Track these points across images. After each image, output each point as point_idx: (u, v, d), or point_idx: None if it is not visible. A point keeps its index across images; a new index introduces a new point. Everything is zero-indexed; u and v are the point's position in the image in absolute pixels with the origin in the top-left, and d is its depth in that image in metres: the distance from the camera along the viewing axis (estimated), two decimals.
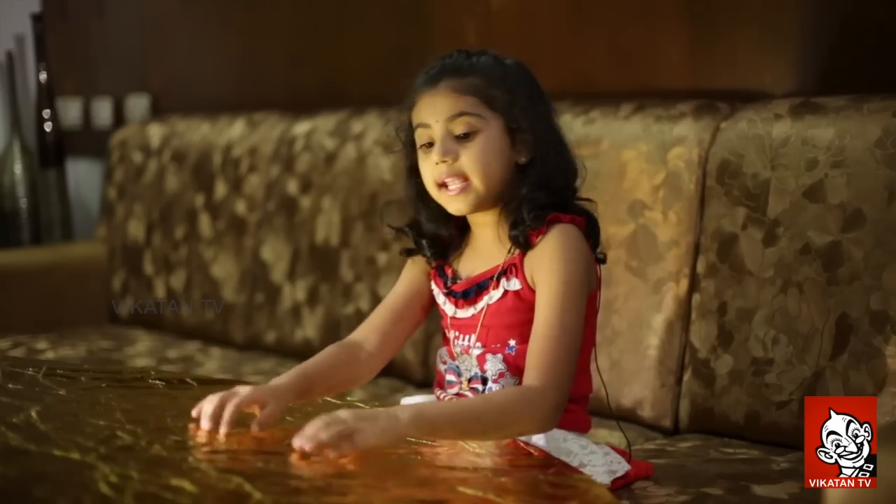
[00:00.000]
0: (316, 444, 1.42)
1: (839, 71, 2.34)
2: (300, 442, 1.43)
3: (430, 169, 1.73)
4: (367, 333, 1.82)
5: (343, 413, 1.45)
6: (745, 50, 2.48)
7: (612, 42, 2.72)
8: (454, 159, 1.71)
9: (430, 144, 1.73)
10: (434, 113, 1.72)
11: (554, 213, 1.72)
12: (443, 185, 1.73)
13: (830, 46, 2.35)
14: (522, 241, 1.71)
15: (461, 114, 1.71)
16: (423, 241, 1.81)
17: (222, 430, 1.54)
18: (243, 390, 1.60)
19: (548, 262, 1.69)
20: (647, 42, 2.65)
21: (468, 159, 1.71)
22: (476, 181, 1.71)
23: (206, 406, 1.57)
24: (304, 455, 1.42)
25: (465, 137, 1.71)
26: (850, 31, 2.34)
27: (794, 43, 2.40)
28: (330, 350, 1.79)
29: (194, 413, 1.58)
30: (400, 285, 1.86)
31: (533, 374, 1.63)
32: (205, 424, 1.55)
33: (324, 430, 1.43)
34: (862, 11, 2.33)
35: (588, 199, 1.79)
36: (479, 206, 1.74)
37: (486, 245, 1.77)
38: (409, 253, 1.85)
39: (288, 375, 1.69)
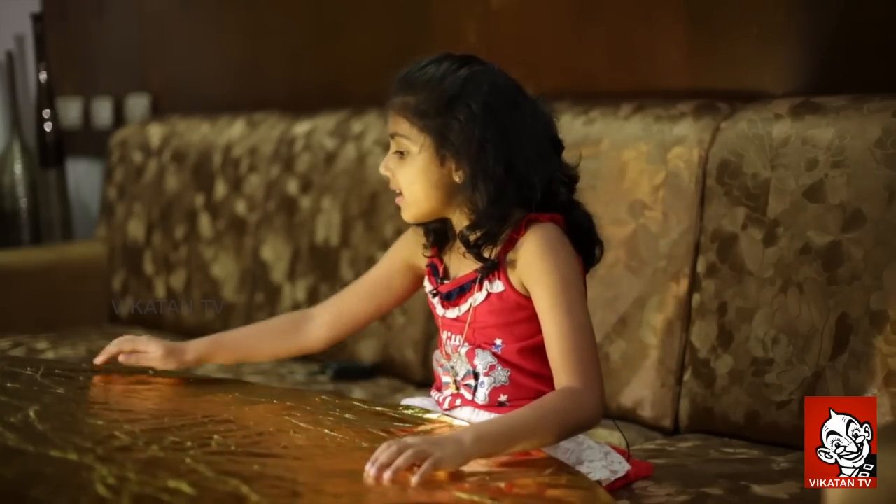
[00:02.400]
0: (394, 472, 1.42)
1: (839, 71, 2.34)
2: (376, 471, 1.43)
3: None
4: (322, 309, 1.96)
5: (410, 439, 1.47)
6: (745, 50, 2.47)
7: (612, 42, 2.72)
8: (392, 174, 1.78)
9: None
10: (388, 126, 1.79)
11: (532, 213, 1.72)
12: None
13: (830, 46, 2.35)
14: (488, 263, 1.73)
15: (394, 134, 1.76)
16: (430, 225, 1.83)
17: (98, 358, 1.89)
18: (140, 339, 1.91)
19: (538, 264, 1.69)
20: (647, 42, 2.65)
21: (399, 177, 1.77)
22: (407, 197, 1.77)
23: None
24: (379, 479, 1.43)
25: (401, 154, 1.76)
26: (850, 30, 2.33)
27: (794, 43, 2.39)
28: (273, 319, 2.00)
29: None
30: (374, 270, 1.94)
31: (565, 376, 1.65)
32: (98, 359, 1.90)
33: (400, 458, 1.43)
34: (861, 11, 2.32)
35: (577, 203, 1.78)
36: (423, 217, 1.80)
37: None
38: (419, 224, 1.87)
39: (201, 339, 1.94)
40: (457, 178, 1.73)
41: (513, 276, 1.72)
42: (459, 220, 1.77)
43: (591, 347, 1.67)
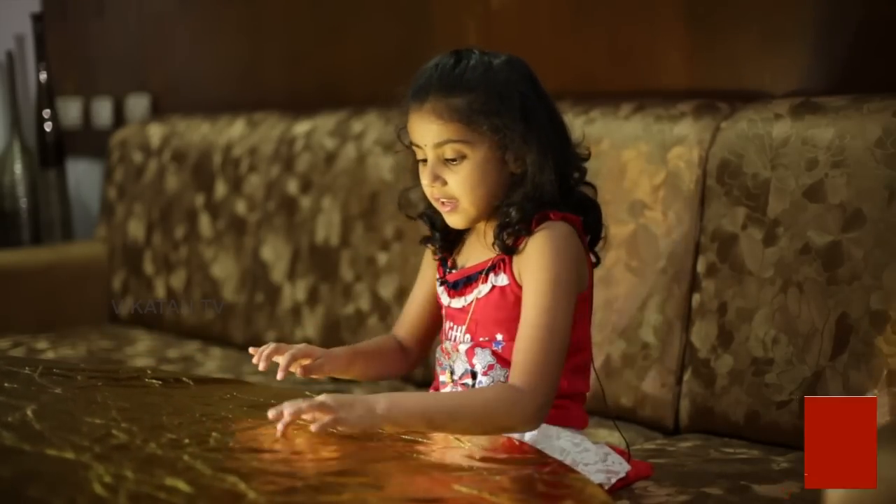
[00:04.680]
0: (295, 411, 1.49)
1: (839, 71, 2.34)
2: (276, 411, 1.50)
3: (425, 187, 1.75)
4: (406, 330, 1.90)
5: (323, 396, 1.52)
6: (745, 50, 2.47)
7: (612, 42, 2.72)
8: (443, 183, 1.72)
9: (424, 160, 1.74)
10: (422, 136, 1.72)
11: (543, 210, 1.72)
12: (437, 201, 1.75)
13: (831, 46, 2.35)
14: (506, 246, 1.72)
15: (447, 141, 1.70)
16: (436, 233, 1.83)
17: (280, 375, 1.71)
18: (297, 345, 1.76)
19: (534, 261, 1.69)
20: (647, 42, 2.64)
21: (456, 184, 1.71)
22: (465, 203, 1.73)
23: (263, 351, 1.75)
24: (278, 424, 1.50)
25: (454, 161, 1.71)
26: (851, 31, 2.33)
27: (794, 43, 2.39)
28: (381, 338, 1.91)
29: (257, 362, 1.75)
30: (420, 285, 1.90)
31: (517, 373, 1.64)
32: (261, 366, 1.73)
33: (304, 404, 1.50)
34: (862, 12, 2.32)
35: (589, 184, 1.79)
36: (475, 221, 1.77)
37: (479, 238, 1.78)
38: (426, 241, 1.87)
39: (341, 348, 1.84)
40: (516, 169, 1.72)
41: (516, 270, 1.72)
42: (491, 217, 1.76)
43: (555, 354, 1.65)
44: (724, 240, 2.20)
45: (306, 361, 1.76)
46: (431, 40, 3.07)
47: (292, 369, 1.74)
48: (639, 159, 2.36)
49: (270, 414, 1.50)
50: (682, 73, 2.58)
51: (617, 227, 2.34)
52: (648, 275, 2.31)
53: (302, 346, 1.77)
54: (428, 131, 1.71)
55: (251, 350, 1.77)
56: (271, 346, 1.75)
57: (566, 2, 2.80)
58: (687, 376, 2.24)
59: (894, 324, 1.95)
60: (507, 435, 1.61)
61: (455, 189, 1.71)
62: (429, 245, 1.87)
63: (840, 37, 2.34)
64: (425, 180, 1.73)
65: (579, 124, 2.46)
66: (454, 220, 1.76)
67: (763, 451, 2.04)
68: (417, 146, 1.74)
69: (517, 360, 1.65)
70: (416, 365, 1.92)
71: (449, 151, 1.70)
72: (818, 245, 2.06)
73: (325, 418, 1.48)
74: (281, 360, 1.73)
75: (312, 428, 1.48)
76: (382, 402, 1.54)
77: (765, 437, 2.10)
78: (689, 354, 2.24)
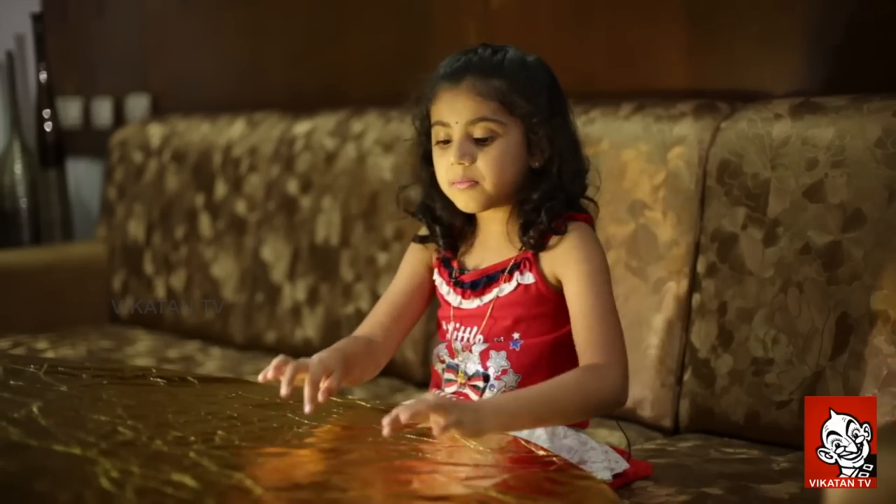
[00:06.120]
0: (412, 414, 1.43)
1: (839, 71, 2.34)
2: (391, 417, 1.43)
3: (445, 168, 1.75)
4: (372, 329, 1.83)
5: (430, 398, 1.50)
6: (745, 50, 2.48)
7: (612, 42, 2.72)
8: (471, 162, 1.72)
9: (447, 142, 1.74)
10: (454, 113, 1.73)
11: (568, 212, 1.74)
12: (453, 184, 1.75)
13: (831, 46, 2.35)
14: (535, 244, 1.73)
15: (483, 118, 1.72)
16: (437, 228, 1.82)
17: (307, 408, 1.56)
18: (312, 363, 1.61)
19: (574, 257, 1.71)
20: (647, 42, 2.65)
21: (484, 164, 1.72)
22: (487, 184, 1.73)
23: (285, 370, 1.60)
24: (395, 427, 1.44)
25: (484, 141, 1.72)
26: (851, 31, 2.34)
27: (794, 43, 2.40)
28: (358, 341, 1.80)
29: (261, 378, 1.61)
30: (399, 279, 1.88)
31: (591, 353, 1.66)
32: (283, 391, 1.59)
33: (422, 405, 1.45)
34: (862, 11, 2.33)
35: (590, 200, 1.81)
36: (488, 205, 1.76)
37: (496, 239, 1.79)
38: (422, 240, 1.86)
39: (334, 356, 1.68)
40: (536, 163, 1.75)
41: (546, 268, 1.73)
42: (503, 211, 1.77)
43: (617, 329, 1.69)
44: (724, 240, 2.21)
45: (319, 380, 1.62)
46: (431, 40, 3.07)
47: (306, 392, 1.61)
48: (639, 159, 2.36)
49: (385, 421, 1.43)
50: (682, 74, 2.58)
51: (617, 227, 2.35)
52: (648, 275, 2.31)
53: (316, 364, 1.62)
54: (463, 108, 1.72)
55: (260, 377, 1.62)
56: (290, 366, 1.60)
57: (566, 2, 2.81)
58: (687, 376, 2.24)
59: (894, 324, 1.96)
60: (514, 434, 1.61)
61: (482, 169, 1.72)
62: (427, 244, 1.86)
63: (840, 37, 2.34)
64: (452, 157, 1.72)
65: (579, 124, 2.45)
66: (468, 201, 1.75)
67: (763, 451, 2.04)
68: (444, 124, 1.74)
69: (583, 342, 1.67)
70: (382, 367, 1.85)
71: (480, 130, 1.72)
72: (818, 245, 2.07)
73: (443, 421, 1.45)
74: (306, 390, 1.59)
75: (435, 432, 1.45)
76: (488, 407, 1.53)
77: (765, 437, 2.10)
78: (689, 354, 2.24)
